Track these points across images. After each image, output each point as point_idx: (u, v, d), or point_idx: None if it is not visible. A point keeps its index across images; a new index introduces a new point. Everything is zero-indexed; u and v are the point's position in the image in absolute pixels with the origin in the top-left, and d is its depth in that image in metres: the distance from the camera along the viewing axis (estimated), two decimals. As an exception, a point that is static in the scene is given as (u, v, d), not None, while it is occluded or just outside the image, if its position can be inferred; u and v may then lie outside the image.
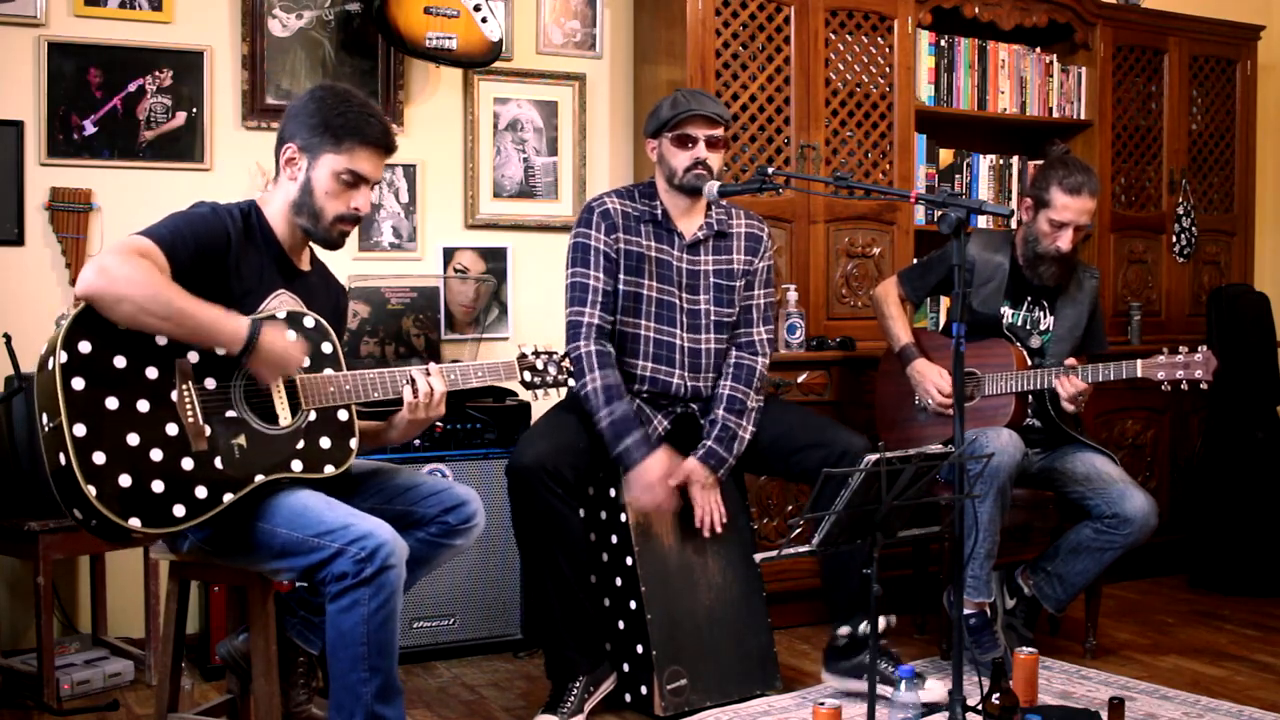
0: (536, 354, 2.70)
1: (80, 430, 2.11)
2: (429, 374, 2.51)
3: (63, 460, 2.10)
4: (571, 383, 2.75)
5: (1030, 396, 3.47)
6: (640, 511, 3.07)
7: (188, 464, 2.22)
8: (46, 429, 2.14)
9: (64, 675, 3.17)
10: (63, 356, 2.13)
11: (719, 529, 3.11)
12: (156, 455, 2.19)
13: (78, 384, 2.13)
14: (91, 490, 2.10)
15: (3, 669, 3.21)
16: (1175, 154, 4.84)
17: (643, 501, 3.04)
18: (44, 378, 2.15)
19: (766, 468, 3.28)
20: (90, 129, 3.52)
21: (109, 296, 2.13)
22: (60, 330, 2.15)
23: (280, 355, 2.30)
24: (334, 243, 2.50)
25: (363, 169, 2.45)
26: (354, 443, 2.43)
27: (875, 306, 3.71)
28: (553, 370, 2.71)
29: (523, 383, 2.69)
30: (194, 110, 3.63)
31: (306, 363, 2.36)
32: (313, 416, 2.38)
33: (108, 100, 3.54)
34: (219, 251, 2.33)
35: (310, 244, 2.55)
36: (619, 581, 3.10)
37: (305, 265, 2.55)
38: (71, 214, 3.48)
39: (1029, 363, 3.47)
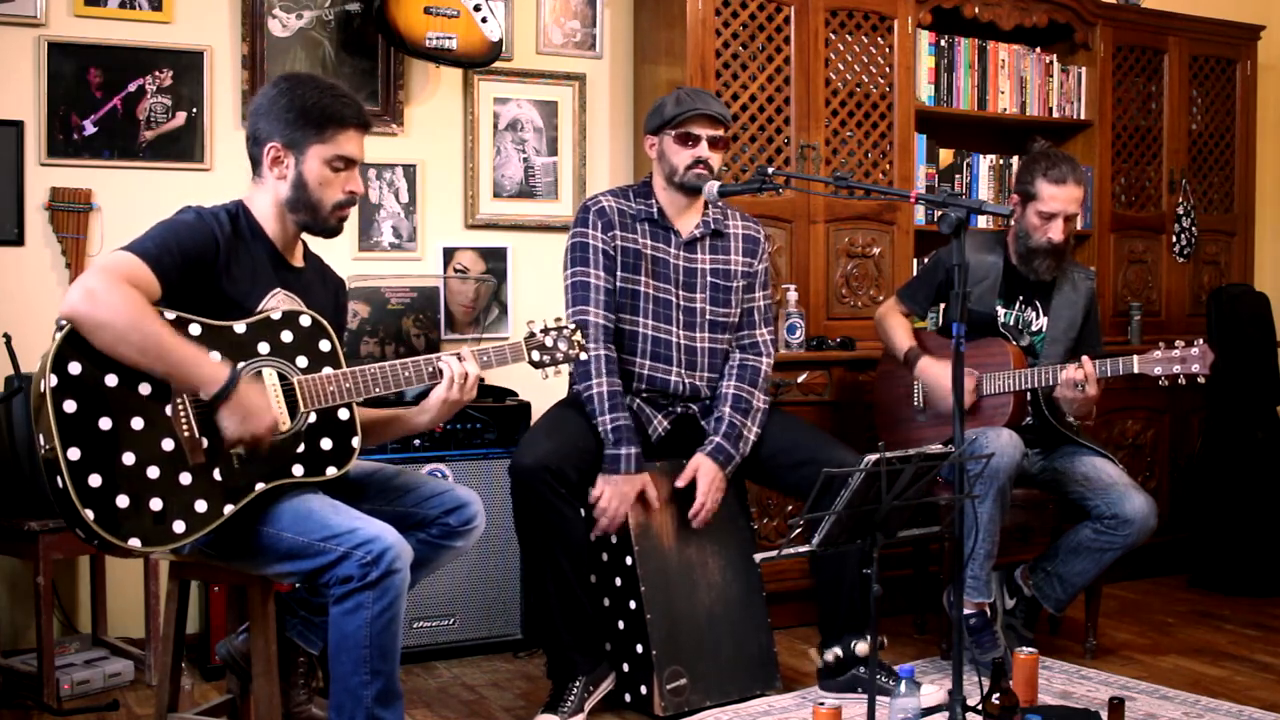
0: (545, 330, 2.61)
1: (74, 454, 2.09)
2: (461, 359, 2.48)
3: (60, 484, 2.09)
4: (583, 356, 2.68)
5: (1029, 395, 3.47)
6: (594, 503, 3.02)
7: (185, 478, 2.20)
8: (43, 451, 2.11)
9: (64, 675, 3.17)
10: (53, 380, 2.10)
11: (702, 524, 3.11)
12: (153, 473, 2.17)
13: (69, 407, 2.11)
14: (89, 514, 2.09)
15: (3, 669, 3.21)
16: (1175, 154, 4.84)
17: (607, 503, 2.99)
18: (37, 401, 2.12)
19: (763, 477, 3.28)
20: (90, 129, 3.52)
21: (90, 322, 2.11)
22: (48, 352, 2.12)
23: (252, 409, 2.22)
24: (334, 230, 2.49)
25: (350, 151, 2.44)
26: (356, 442, 2.41)
27: (878, 328, 3.67)
28: (563, 346, 2.62)
29: (531, 363, 2.60)
30: (194, 110, 3.63)
31: (281, 429, 2.29)
32: (312, 418, 2.36)
33: (108, 100, 3.54)
34: (207, 260, 2.30)
35: (302, 239, 2.53)
36: (619, 581, 3.10)
37: (299, 261, 2.53)
38: (71, 214, 3.47)
39: (1026, 361, 3.46)
